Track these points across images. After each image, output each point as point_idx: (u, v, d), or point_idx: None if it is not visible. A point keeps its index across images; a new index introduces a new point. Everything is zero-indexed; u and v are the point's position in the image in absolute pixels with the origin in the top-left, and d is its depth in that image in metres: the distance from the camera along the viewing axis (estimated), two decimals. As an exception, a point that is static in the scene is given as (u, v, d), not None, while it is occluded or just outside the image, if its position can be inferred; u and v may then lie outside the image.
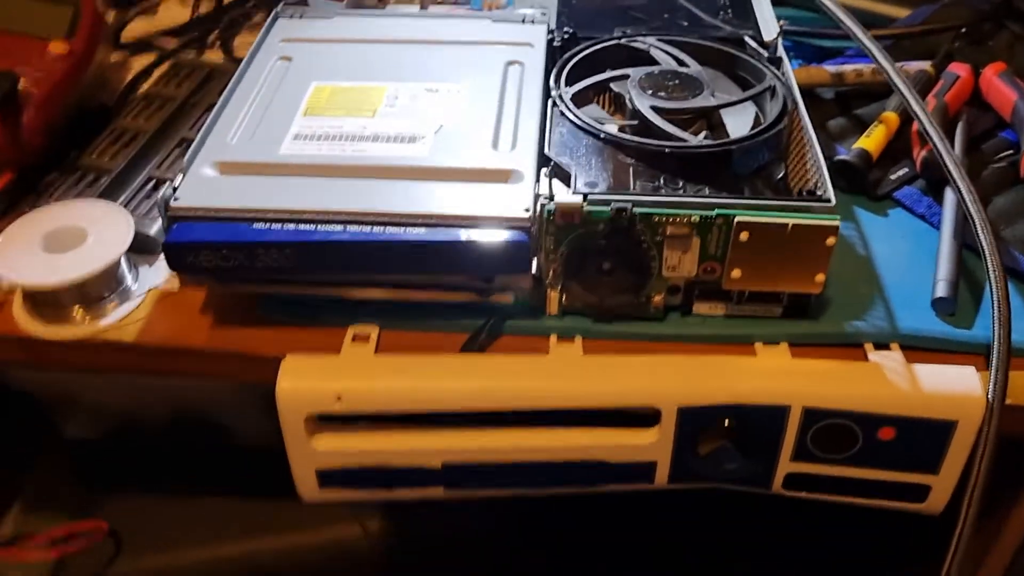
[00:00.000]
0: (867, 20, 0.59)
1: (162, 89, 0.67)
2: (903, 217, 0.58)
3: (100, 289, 0.51)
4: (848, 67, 0.67)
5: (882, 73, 0.57)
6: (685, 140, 0.50)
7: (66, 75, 0.62)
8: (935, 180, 0.58)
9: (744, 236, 0.46)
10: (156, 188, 0.59)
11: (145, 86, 0.69)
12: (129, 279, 0.53)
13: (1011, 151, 0.61)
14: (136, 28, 0.78)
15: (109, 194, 0.58)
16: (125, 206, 0.57)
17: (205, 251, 0.46)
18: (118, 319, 0.51)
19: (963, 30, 0.69)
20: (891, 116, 0.62)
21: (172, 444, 0.78)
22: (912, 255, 0.55)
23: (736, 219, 0.46)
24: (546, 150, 0.50)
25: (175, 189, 0.48)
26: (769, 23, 0.62)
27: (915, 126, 0.61)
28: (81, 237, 0.51)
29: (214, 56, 0.75)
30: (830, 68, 0.67)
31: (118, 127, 0.63)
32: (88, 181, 0.59)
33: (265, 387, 0.47)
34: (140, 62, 0.73)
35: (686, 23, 0.63)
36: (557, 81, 0.55)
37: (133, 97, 0.68)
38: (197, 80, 0.68)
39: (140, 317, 0.52)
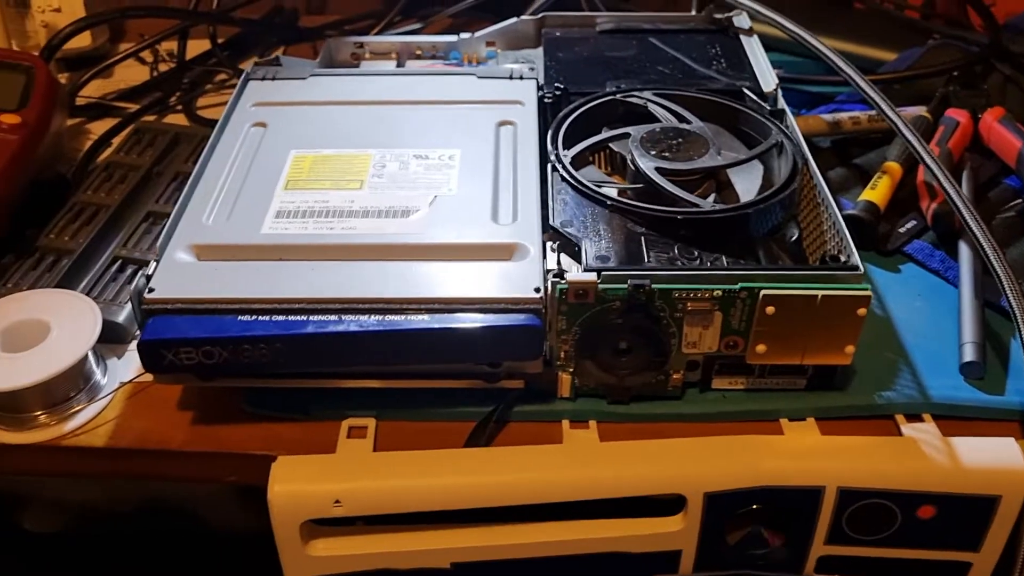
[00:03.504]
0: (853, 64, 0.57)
1: (124, 157, 0.63)
2: (916, 273, 0.56)
3: (66, 389, 0.47)
4: (844, 115, 0.65)
5: (882, 120, 0.55)
6: (698, 205, 0.47)
7: (21, 148, 0.57)
8: (946, 233, 0.56)
9: (770, 310, 0.43)
10: (122, 269, 0.54)
11: (106, 154, 0.65)
12: (98, 374, 0.48)
13: (1019, 200, 0.59)
14: (92, 90, 0.74)
15: (71, 278, 0.53)
16: (89, 291, 0.52)
17: (185, 349, 0.41)
18: (86, 420, 0.47)
19: (955, 73, 0.68)
20: (894, 166, 0.59)
21: (142, 533, 0.72)
22: (931, 314, 0.52)
23: (762, 292, 0.43)
24: (551, 220, 0.47)
25: (148, 278, 0.44)
26: (766, 73, 0.59)
27: (920, 176, 0.59)
28: (43, 332, 0.46)
29: (177, 119, 0.71)
30: (826, 117, 0.65)
31: (78, 202, 0.58)
32: (47, 264, 0.54)
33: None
34: (99, 127, 0.69)
35: (680, 75, 0.60)
36: (555, 142, 0.52)
37: (93, 167, 0.63)
38: (161, 146, 0.64)
39: (111, 417, 0.47)
